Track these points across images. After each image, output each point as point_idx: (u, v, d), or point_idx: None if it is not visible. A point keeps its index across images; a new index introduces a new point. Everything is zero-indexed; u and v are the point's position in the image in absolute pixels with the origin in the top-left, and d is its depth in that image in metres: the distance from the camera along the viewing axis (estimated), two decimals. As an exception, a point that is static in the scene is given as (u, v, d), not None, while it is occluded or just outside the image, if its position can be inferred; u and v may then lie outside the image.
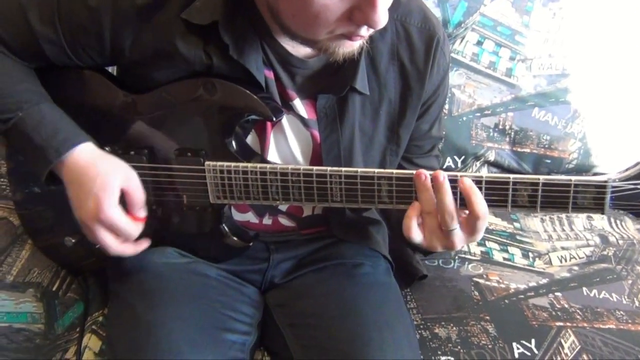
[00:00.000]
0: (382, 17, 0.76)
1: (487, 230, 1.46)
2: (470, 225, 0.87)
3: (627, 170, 0.84)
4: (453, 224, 0.86)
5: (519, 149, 1.65)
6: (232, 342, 0.98)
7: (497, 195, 0.86)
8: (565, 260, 1.39)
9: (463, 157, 1.63)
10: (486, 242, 1.43)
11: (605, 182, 0.83)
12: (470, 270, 1.32)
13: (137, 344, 0.90)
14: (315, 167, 0.92)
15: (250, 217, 1.09)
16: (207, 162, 0.96)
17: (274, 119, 0.93)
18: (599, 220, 1.55)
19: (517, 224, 1.51)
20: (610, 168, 1.69)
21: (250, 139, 1.00)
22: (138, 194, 0.94)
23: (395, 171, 0.89)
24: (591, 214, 1.50)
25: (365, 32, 0.81)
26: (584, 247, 1.44)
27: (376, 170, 0.90)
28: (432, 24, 1.00)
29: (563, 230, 1.51)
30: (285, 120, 0.99)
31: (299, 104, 0.98)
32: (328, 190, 0.92)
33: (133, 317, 0.95)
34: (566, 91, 1.63)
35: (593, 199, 0.84)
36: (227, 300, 1.03)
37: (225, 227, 1.03)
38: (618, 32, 1.62)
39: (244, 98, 0.93)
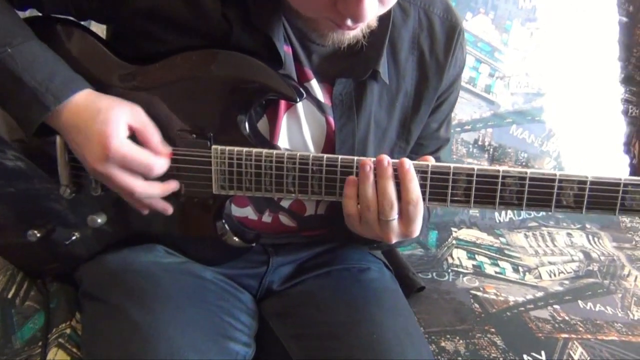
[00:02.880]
0: (365, 12, 0.71)
1: (475, 244, 1.43)
2: (404, 214, 0.79)
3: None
4: (392, 213, 0.78)
5: (496, 166, 1.63)
6: (236, 352, 0.85)
7: (540, 194, 0.80)
8: (555, 275, 1.36)
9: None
10: (476, 256, 1.38)
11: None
12: (466, 283, 1.26)
13: (132, 353, 0.76)
14: (340, 156, 0.83)
15: (249, 212, 0.97)
16: (214, 146, 0.85)
17: (298, 99, 0.84)
18: (578, 237, 1.55)
19: (502, 239, 1.48)
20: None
21: (260, 124, 0.90)
22: (149, 128, 0.81)
23: (431, 164, 0.81)
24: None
25: (350, 23, 0.75)
26: (569, 263, 1.43)
27: (412, 163, 0.82)
28: (455, 15, 0.96)
29: (547, 246, 1.49)
30: (300, 103, 0.90)
31: (315, 85, 0.90)
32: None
33: (124, 322, 0.80)
34: (541, 110, 1.65)
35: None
36: (226, 305, 0.91)
37: (226, 225, 0.91)
38: (591, 53, 1.67)
39: (265, 75, 0.83)
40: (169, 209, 0.87)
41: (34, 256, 0.99)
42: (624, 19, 1.70)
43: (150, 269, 0.88)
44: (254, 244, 0.93)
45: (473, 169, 0.80)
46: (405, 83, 0.94)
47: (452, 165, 0.81)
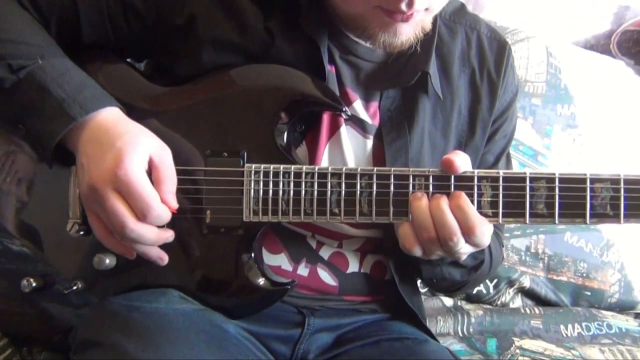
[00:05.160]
0: None
1: (544, 355, 1.20)
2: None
3: None
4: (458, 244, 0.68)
5: (554, 277, 1.46)
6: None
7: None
8: (648, 391, 1.11)
9: (495, 280, 1.42)
10: (547, 366, 1.15)
11: None
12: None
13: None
14: (393, 168, 0.72)
15: (283, 261, 0.82)
16: (247, 164, 0.75)
17: (345, 109, 0.75)
18: (664, 357, 1.30)
19: (575, 352, 1.25)
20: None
21: (300, 152, 0.81)
22: (170, 170, 0.70)
23: (502, 172, 0.69)
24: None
25: (405, 7, 0.69)
26: (660, 381, 1.18)
27: (476, 170, 0.70)
28: (501, 35, 0.92)
29: (628, 363, 1.25)
30: (343, 129, 0.81)
31: (359, 106, 0.82)
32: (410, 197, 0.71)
33: (118, 360, 0.62)
34: (595, 219, 1.52)
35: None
36: (252, 365, 0.72)
37: (252, 259, 0.77)
38: (637, 157, 1.59)
39: (307, 84, 0.76)
40: (164, 257, 0.74)
41: (23, 313, 0.83)
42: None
43: (162, 311, 0.72)
44: (285, 290, 0.77)
45: (554, 174, 0.68)
46: (459, 102, 0.87)
47: (528, 170, 0.69)
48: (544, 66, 1.60)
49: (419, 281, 0.96)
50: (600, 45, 2.07)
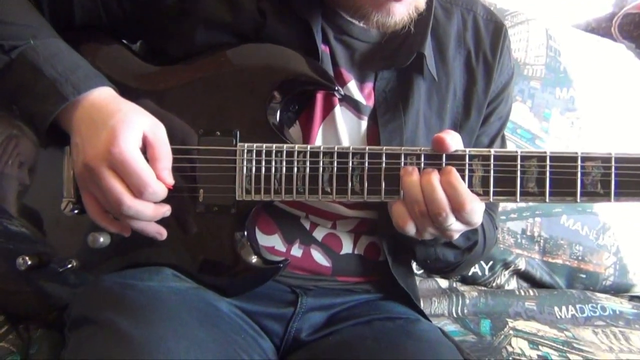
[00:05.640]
0: None
1: (537, 336, 1.21)
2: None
3: None
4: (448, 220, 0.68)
5: (550, 260, 1.46)
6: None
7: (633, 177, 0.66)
8: (640, 372, 1.12)
9: (491, 262, 1.42)
10: (540, 347, 1.16)
11: None
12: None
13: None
14: (385, 147, 0.72)
15: (277, 241, 0.83)
16: (239, 144, 0.75)
17: (338, 88, 0.75)
18: (657, 340, 1.31)
19: (568, 333, 1.26)
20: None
21: (292, 133, 0.81)
22: (165, 148, 0.71)
23: (493, 150, 0.69)
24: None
25: None
26: (653, 363, 1.18)
27: (468, 149, 0.70)
28: (497, 17, 0.92)
29: (621, 344, 1.26)
30: (337, 109, 0.81)
31: (354, 87, 0.82)
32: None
33: (112, 337, 0.63)
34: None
35: None
36: (243, 343, 0.72)
37: (245, 238, 0.77)
38: (637, 143, 1.58)
39: (300, 62, 0.76)
40: (163, 232, 0.74)
41: (20, 291, 0.84)
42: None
43: (155, 289, 0.72)
44: (278, 268, 0.77)
45: (545, 152, 0.68)
46: (454, 83, 0.86)
47: (518, 150, 0.69)
48: (543, 49, 1.59)
49: (413, 263, 0.96)
50: (601, 28, 2.05)
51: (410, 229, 0.70)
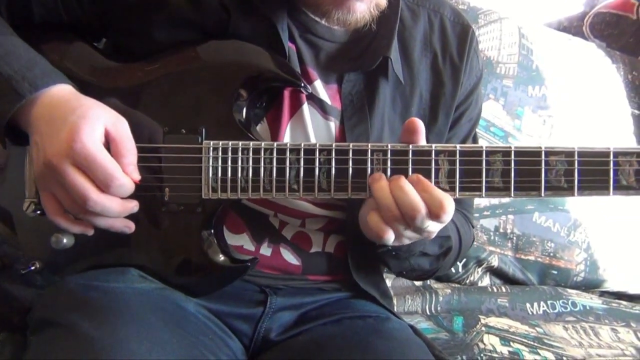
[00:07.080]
0: None
1: (509, 332, 1.22)
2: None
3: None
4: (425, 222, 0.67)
5: (522, 256, 1.48)
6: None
7: (594, 174, 0.67)
8: (608, 367, 1.13)
9: (464, 260, 1.43)
10: (511, 343, 1.17)
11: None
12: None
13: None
14: (352, 143, 0.71)
15: (245, 240, 0.82)
16: (205, 141, 0.74)
17: (304, 84, 0.75)
18: (625, 334, 1.33)
19: (539, 329, 1.27)
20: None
21: (260, 130, 0.80)
22: (129, 143, 0.69)
23: (458, 146, 0.69)
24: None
25: None
26: (621, 357, 1.20)
27: (434, 145, 0.70)
28: (465, 19, 0.91)
29: (591, 339, 1.27)
30: (305, 108, 0.80)
31: (320, 87, 0.81)
32: (368, 172, 0.71)
33: (73, 339, 0.61)
34: (564, 199, 1.53)
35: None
36: (210, 344, 0.71)
37: (212, 236, 0.76)
38: (606, 137, 1.60)
39: (265, 59, 0.75)
40: (131, 225, 0.73)
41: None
42: (637, 112, 1.67)
43: (120, 290, 0.71)
44: (246, 267, 0.77)
45: (510, 147, 0.68)
46: (420, 86, 0.86)
47: (483, 145, 0.69)
48: (516, 47, 1.60)
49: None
50: (573, 27, 2.08)
51: (389, 237, 0.68)
